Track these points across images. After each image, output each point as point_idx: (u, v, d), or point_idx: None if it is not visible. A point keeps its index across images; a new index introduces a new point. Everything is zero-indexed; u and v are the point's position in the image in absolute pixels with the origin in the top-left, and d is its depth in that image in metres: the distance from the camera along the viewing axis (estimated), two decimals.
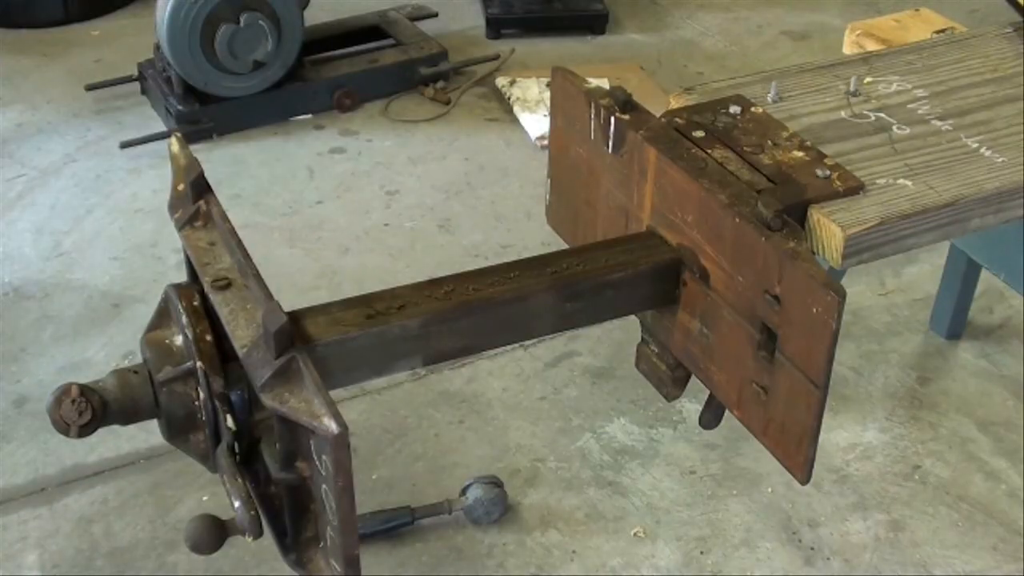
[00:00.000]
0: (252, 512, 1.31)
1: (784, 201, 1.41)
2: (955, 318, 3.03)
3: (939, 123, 1.65)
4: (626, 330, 2.91)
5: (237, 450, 1.37)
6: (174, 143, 1.51)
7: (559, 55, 4.39)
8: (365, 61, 4.13)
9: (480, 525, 2.52)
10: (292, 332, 1.25)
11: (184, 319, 1.38)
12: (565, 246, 1.73)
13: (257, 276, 1.34)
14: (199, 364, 1.35)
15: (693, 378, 1.61)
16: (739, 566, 2.47)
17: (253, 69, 3.81)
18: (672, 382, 1.63)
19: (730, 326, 1.46)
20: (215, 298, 1.35)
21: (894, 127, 1.64)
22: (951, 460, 2.71)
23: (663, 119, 1.60)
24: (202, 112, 3.84)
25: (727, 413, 1.59)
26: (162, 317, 1.44)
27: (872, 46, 2.13)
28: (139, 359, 1.43)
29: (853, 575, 2.45)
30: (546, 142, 2.55)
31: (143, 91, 4.07)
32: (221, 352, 1.36)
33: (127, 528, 2.51)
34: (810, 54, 4.36)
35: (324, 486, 1.24)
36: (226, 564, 2.40)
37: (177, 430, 1.41)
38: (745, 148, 1.54)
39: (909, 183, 1.52)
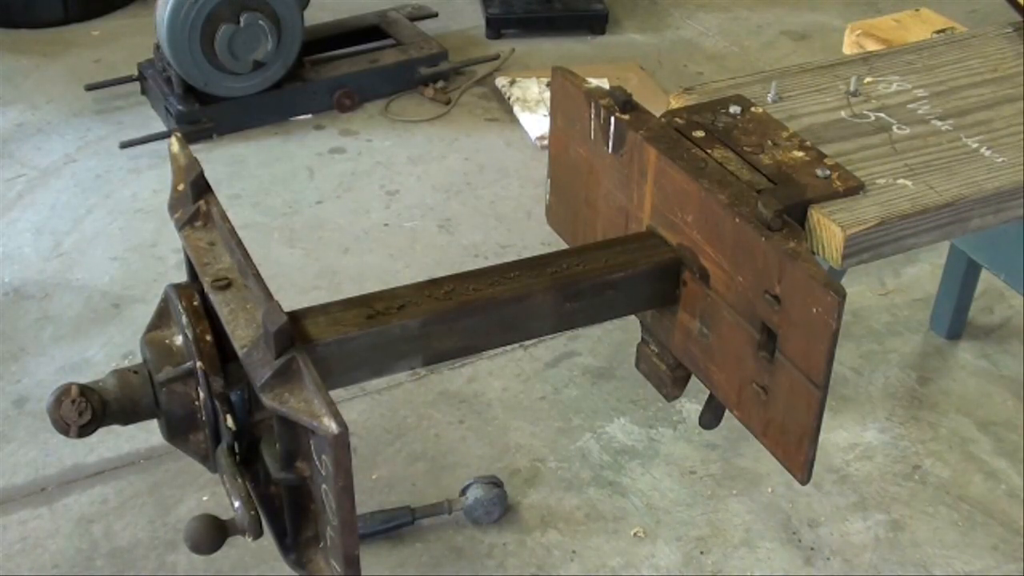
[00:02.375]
0: (252, 512, 1.31)
1: (784, 201, 1.41)
2: (955, 318, 3.03)
3: (939, 123, 1.65)
4: (626, 330, 2.91)
5: (237, 450, 1.37)
6: (174, 143, 1.51)
7: (559, 55, 4.39)
8: (365, 61, 4.13)
9: (480, 525, 2.52)
10: (292, 332, 1.25)
11: (184, 319, 1.38)
12: (565, 246, 1.73)
13: (257, 276, 1.34)
14: (199, 364, 1.35)
15: (693, 378, 1.61)
16: (739, 566, 2.47)
17: (253, 69, 3.81)
18: (672, 382, 1.63)
19: (730, 326, 1.46)
20: (215, 298, 1.35)
21: (894, 127, 1.64)
22: (951, 460, 2.71)
23: (663, 119, 1.60)
24: (202, 112, 3.84)
25: (727, 413, 1.59)
26: (162, 317, 1.44)
27: (872, 46, 2.13)
28: (139, 359, 1.43)
29: (853, 575, 2.45)
30: (546, 142, 2.55)
31: (143, 91, 4.07)
32: (221, 352, 1.36)
33: (127, 528, 2.51)
34: (810, 54, 4.36)
35: (324, 486, 1.24)
36: (226, 564, 2.40)
37: (177, 430, 1.41)
38: (745, 148, 1.54)
39: (909, 183, 1.52)
